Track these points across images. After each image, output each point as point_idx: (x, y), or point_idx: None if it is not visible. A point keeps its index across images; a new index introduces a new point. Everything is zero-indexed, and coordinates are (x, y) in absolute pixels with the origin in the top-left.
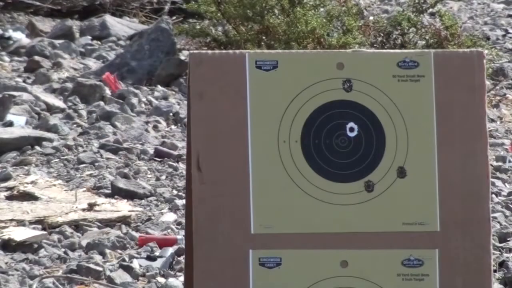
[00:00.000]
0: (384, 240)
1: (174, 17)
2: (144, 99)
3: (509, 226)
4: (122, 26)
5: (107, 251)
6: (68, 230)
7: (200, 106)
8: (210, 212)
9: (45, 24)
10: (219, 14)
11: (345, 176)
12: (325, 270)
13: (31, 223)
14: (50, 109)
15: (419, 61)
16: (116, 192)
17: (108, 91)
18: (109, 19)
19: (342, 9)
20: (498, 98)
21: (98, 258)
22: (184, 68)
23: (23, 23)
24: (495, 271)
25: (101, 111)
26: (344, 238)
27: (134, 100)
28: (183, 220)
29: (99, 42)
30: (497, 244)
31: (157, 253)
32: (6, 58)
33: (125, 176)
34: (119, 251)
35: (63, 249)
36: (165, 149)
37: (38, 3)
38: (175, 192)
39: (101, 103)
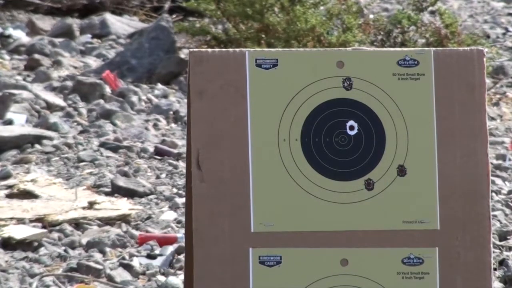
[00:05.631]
0: (384, 239)
1: (174, 16)
2: (144, 97)
3: (509, 224)
4: (122, 25)
5: (107, 249)
6: (68, 228)
7: (200, 104)
8: (210, 210)
9: (45, 23)
10: (218, 13)
11: (345, 174)
12: (325, 269)
13: (31, 221)
14: (50, 107)
15: (419, 59)
16: (116, 190)
17: (108, 89)
18: (109, 17)
19: (342, 7)
20: (498, 96)
21: (98, 256)
22: (184, 66)
23: (23, 21)
24: (495, 269)
25: (101, 109)
26: (344, 236)
27: (134, 98)
28: (183, 219)
29: (99, 41)
30: (497, 242)
31: (157, 252)
32: (6, 56)
33: (125, 174)
34: (119, 249)
35: (63, 247)
36: (165, 147)
37: (38, 1)
38: (175, 190)
39: (101, 101)
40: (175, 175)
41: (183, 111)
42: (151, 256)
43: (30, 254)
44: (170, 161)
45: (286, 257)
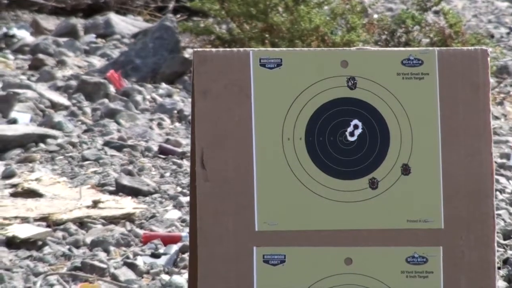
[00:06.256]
0: (388, 237)
1: (178, 15)
2: (148, 97)
3: None
4: (126, 24)
5: (111, 248)
6: (73, 227)
7: (204, 104)
8: (214, 209)
9: (49, 22)
10: (223, 12)
11: (349, 173)
12: (329, 268)
13: (35, 220)
14: (55, 106)
15: (423, 59)
16: (120, 189)
17: (112, 89)
18: (113, 17)
19: (346, 7)
20: (502, 95)
21: (102, 255)
22: (188, 66)
23: (27, 21)
24: (499, 268)
25: (105, 109)
26: (348, 235)
27: (139, 98)
28: (187, 217)
29: (103, 40)
30: (501, 241)
31: (161, 250)
32: (11, 56)
33: (129, 173)
34: (123, 248)
35: (67, 246)
36: (169, 146)
37: (42, 1)
38: (179, 189)
39: (106, 100)
40: (179, 174)
41: (187, 110)
42: (155, 255)
43: (35, 253)
44: (174, 160)
45: (290, 256)
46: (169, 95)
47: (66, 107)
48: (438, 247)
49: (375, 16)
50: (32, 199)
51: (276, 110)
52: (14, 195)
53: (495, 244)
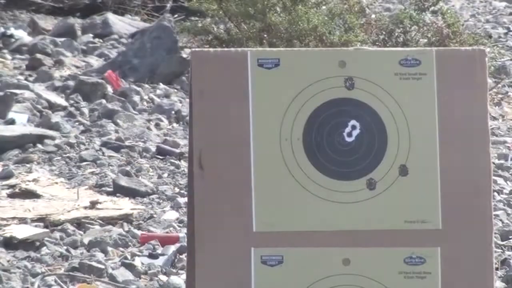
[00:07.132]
0: (386, 238)
1: (176, 15)
2: (146, 97)
3: (511, 224)
4: (124, 24)
5: (109, 249)
6: (70, 228)
7: (202, 104)
8: (212, 210)
9: (47, 22)
10: (220, 12)
11: (347, 174)
12: (327, 268)
13: (33, 221)
14: (52, 107)
15: (421, 59)
16: (118, 190)
17: (110, 89)
18: (111, 17)
19: (344, 7)
20: (500, 96)
21: (100, 256)
22: (186, 66)
23: (25, 21)
24: (497, 269)
25: (103, 109)
26: (346, 236)
27: (136, 98)
28: (185, 218)
29: (101, 40)
30: (499, 242)
31: (159, 251)
32: (8, 56)
33: (127, 174)
34: (121, 249)
35: (65, 247)
36: (167, 147)
37: (40, 1)
38: (177, 190)
39: (103, 101)
40: (177, 174)
41: (185, 111)
42: (153, 256)
43: (32, 254)
44: (172, 160)
45: (288, 257)
46: (167, 96)
47: (63, 108)
48: (436, 248)
49: (373, 16)
50: (29, 200)
51: (274, 110)
52: (11, 195)
53: (493, 245)
